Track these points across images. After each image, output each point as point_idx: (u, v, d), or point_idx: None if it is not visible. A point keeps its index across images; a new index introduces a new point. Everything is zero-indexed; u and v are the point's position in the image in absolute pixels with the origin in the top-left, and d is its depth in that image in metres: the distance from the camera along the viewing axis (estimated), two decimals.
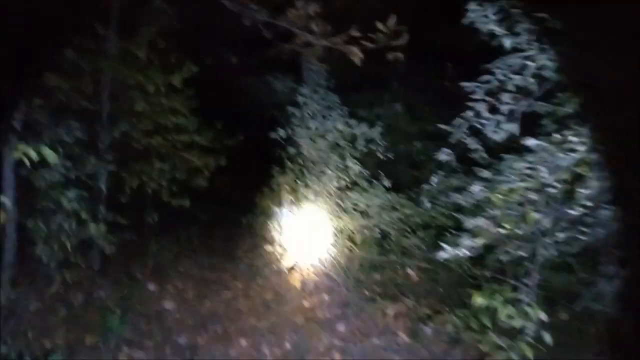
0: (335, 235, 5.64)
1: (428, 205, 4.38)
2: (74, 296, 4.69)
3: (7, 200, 4.29)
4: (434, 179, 4.31)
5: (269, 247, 7.19)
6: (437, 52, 7.34)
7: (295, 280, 5.55)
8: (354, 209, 5.42)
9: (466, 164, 4.29)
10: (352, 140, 5.78)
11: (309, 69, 6.56)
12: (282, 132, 6.38)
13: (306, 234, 6.03)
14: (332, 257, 5.71)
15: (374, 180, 5.47)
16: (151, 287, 6.19)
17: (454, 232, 4.42)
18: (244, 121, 12.47)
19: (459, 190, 4.22)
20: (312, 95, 6.18)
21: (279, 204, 7.79)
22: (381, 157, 5.63)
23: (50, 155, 2.50)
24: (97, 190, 4.47)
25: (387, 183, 5.34)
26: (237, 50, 8.23)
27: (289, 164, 6.29)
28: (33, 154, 2.34)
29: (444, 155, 4.22)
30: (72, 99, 6.72)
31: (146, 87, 7.11)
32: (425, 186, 4.58)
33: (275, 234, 6.42)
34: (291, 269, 5.86)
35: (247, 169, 14.46)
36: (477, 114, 4.13)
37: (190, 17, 8.25)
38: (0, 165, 3.93)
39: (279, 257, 6.83)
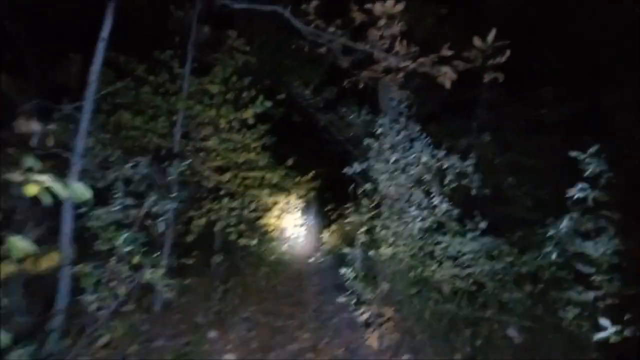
0: (419, 284, 4.77)
1: (553, 255, 3.44)
2: (127, 346, 4.20)
3: (65, 240, 3.95)
4: (565, 222, 3.39)
5: (340, 294, 6.42)
6: (531, 74, 6.46)
7: (371, 335, 4.70)
8: (442, 255, 4.55)
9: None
10: (440, 174, 4.97)
11: (387, 98, 5.93)
12: (357, 167, 5.70)
13: (383, 282, 5.20)
14: (416, 311, 4.82)
15: (467, 221, 4.59)
16: (213, 335, 5.60)
17: (576, 287, 3.47)
18: (317, 157, 12.09)
19: (589, 235, 3.29)
20: (391, 126, 5.49)
21: (352, 246, 7.08)
22: (474, 193, 4.76)
23: (80, 190, 2.00)
24: (158, 231, 4.01)
25: (482, 224, 4.44)
26: (312, 84, 7.81)
27: (364, 201, 5.57)
28: (58, 188, 1.86)
29: (580, 191, 3.30)
30: (144, 135, 6.58)
31: (218, 123, 6.83)
32: (552, 230, 3.66)
33: (347, 279, 5.63)
34: (366, 321, 5.01)
35: (320, 207, 14.04)
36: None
37: (267, 53, 8.03)
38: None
39: (351, 305, 6.02)
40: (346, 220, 5.95)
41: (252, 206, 8.50)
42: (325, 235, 11.68)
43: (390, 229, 5.04)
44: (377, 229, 5.20)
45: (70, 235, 3.89)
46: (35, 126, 3.53)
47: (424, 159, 5.11)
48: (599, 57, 6.43)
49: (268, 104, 7.26)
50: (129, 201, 4.06)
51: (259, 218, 9.41)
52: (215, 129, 6.81)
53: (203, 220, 6.74)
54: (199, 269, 7.53)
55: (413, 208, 5.15)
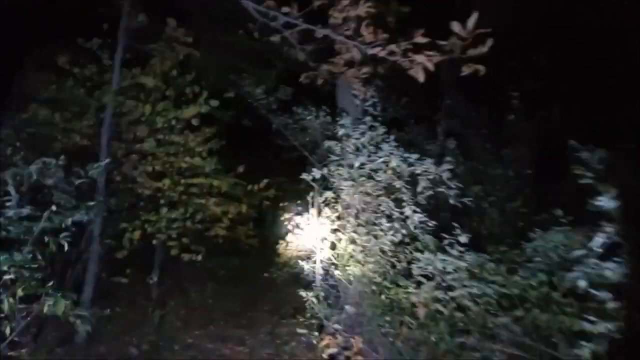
0: (389, 307, 4.06)
1: (582, 281, 2.79)
2: None
3: None
4: (594, 241, 2.77)
5: (298, 317, 5.63)
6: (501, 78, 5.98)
7: None
8: (419, 274, 3.86)
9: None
10: (411, 181, 4.31)
11: (350, 95, 5.22)
12: (316, 173, 4.95)
13: (349, 305, 4.46)
14: (383, 336, 4.11)
15: (442, 234, 3.94)
16: None
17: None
18: (271, 164, 11.24)
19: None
20: (354, 127, 4.79)
21: (312, 262, 6.33)
22: (453, 202, 4.13)
23: None
24: (56, 249, 3.06)
25: (462, 238, 3.80)
26: (264, 84, 6.99)
27: (326, 211, 4.83)
28: None
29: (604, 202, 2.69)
30: (64, 134, 5.53)
31: (155, 123, 5.87)
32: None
33: (306, 300, 4.86)
34: (326, 347, 4.24)
35: (272, 217, 13.15)
36: None
37: (213, 47, 7.13)
38: None
39: (309, 330, 5.25)
40: (304, 233, 5.17)
41: (198, 217, 7.57)
42: (281, 247, 10.80)
43: (356, 244, 4.30)
44: (342, 243, 4.45)
45: None
46: None
47: (393, 163, 4.42)
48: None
49: (214, 103, 6.39)
50: (26, 211, 3.10)
51: (207, 230, 8.43)
52: (151, 130, 5.85)
53: (137, 234, 5.75)
54: (134, 290, 6.49)
55: (383, 220, 4.45)
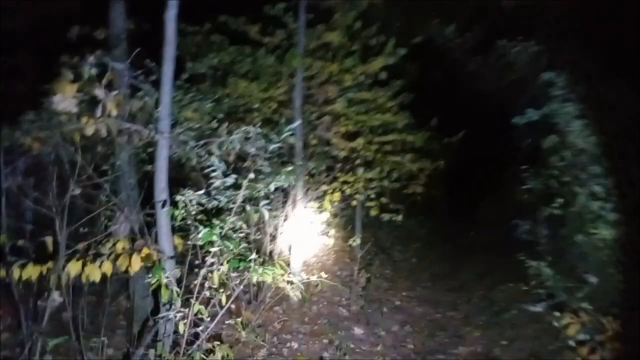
0: None
1: None
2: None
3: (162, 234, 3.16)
4: None
5: (518, 283, 4.84)
6: None
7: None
8: None
9: None
10: None
11: None
12: (531, 113, 3.99)
13: (589, 274, 3.49)
14: None
15: None
16: (358, 331, 4.54)
17: None
18: (464, 115, 10.16)
19: None
20: None
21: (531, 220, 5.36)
22: None
23: None
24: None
25: None
26: (455, 22, 6.06)
27: (554, 159, 3.87)
28: None
29: None
30: (262, 103, 5.68)
31: (343, 81, 5.58)
32: None
33: (527, 265, 4.05)
34: (566, 328, 3.38)
35: (472, 173, 12.03)
36: None
37: None
38: None
39: (534, 302, 4.41)
40: (524, 187, 4.25)
41: (394, 175, 7.21)
42: (483, 205, 9.82)
43: (605, 200, 3.28)
44: (582, 199, 3.46)
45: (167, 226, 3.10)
46: (100, 92, 2.72)
47: None
48: None
49: (401, 51, 5.76)
50: (231, 180, 3.08)
51: (404, 188, 8.03)
52: (341, 89, 5.58)
53: (337, 195, 5.65)
54: (339, 251, 6.54)
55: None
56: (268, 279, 2.86)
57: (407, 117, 6.69)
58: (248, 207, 2.98)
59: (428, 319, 5.25)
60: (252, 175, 3.01)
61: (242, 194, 2.92)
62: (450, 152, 10.04)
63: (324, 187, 5.75)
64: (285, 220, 5.06)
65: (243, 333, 2.90)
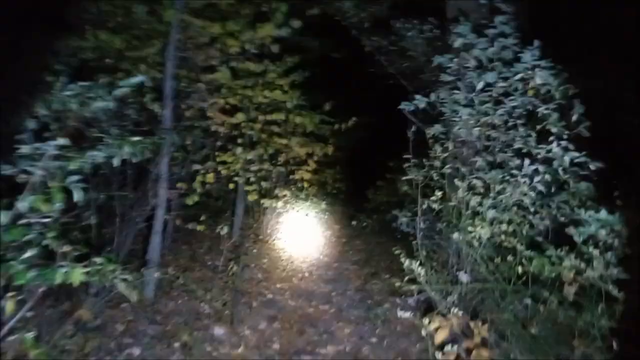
0: (525, 281, 2.82)
1: None
2: None
3: None
4: None
5: (392, 277, 4.61)
6: None
7: None
8: (577, 240, 2.55)
9: None
10: (564, 104, 2.89)
11: None
12: (419, 101, 3.68)
13: (462, 273, 3.28)
14: (515, 321, 2.91)
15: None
16: (219, 331, 3.93)
17: None
18: (362, 99, 9.94)
19: None
20: (478, 35, 3.39)
21: (405, 210, 5.18)
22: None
23: None
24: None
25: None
26: None
27: (436, 148, 3.60)
28: None
29: None
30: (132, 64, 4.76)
31: (227, 47, 4.87)
32: None
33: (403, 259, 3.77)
34: (432, 329, 3.12)
35: (365, 159, 11.97)
36: None
37: None
38: None
39: (406, 298, 4.21)
40: (404, 178, 3.96)
41: (281, 159, 6.70)
42: (370, 193, 9.74)
43: (479, 194, 3.05)
44: (458, 193, 3.20)
45: None
46: None
47: (537, 80, 3.00)
48: None
49: (295, 23, 5.18)
50: (51, 148, 2.26)
51: (291, 173, 7.58)
52: (223, 56, 4.86)
53: (210, 176, 4.96)
54: (210, 238, 5.86)
55: (515, 160, 3.11)
56: (76, 280, 2.12)
57: (298, 97, 6.19)
58: (55, 184, 2.19)
59: (300, 313, 4.83)
60: (62, 141, 2.22)
61: (46, 165, 2.13)
62: (343, 137, 9.86)
63: (197, 166, 5.03)
64: (139, 201, 4.26)
65: (33, 352, 2.12)
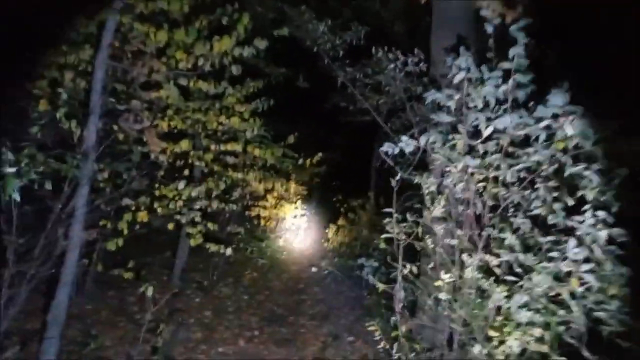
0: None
1: None
2: None
3: None
4: None
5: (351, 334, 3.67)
6: None
7: None
8: None
9: None
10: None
11: (463, 24, 3.03)
12: (406, 144, 2.88)
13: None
14: None
15: None
16: None
17: None
18: (328, 133, 9.17)
19: None
20: (478, 69, 2.64)
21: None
22: None
23: None
24: None
25: None
26: (329, 19, 4.86)
27: (429, 197, 2.77)
28: None
29: None
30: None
31: (171, 59, 3.93)
32: None
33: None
34: None
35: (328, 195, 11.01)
36: None
37: None
38: None
39: None
40: (383, 236, 3.08)
41: (235, 194, 5.73)
42: (331, 232, 8.84)
43: (507, 285, 2.19)
44: (469, 274, 2.33)
45: None
46: None
47: (568, 129, 2.25)
48: None
49: (261, 43, 4.30)
50: None
51: (246, 209, 6.64)
52: (170, 70, 3.90)
53: (143, 214, 3.90)
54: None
55: (535, 232, 2.30)
56: None
57: (259, 126, 5.28)
58: None
59: None
60: None
61: None
62: (305, 172, 9.02)
63: (128, 201, 3.96)
64: (45, 247, 3.15)
65: None
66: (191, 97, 4.57)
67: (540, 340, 1.98)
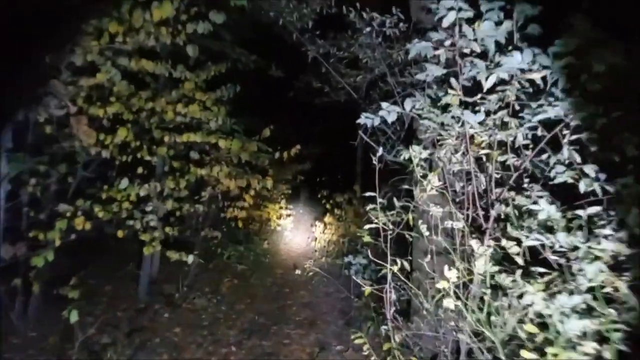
0: None
1: None
2: None
3: None
4: None
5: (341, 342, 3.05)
6: None
7: None
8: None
9: None
10: None
11: None
12: (388, 113, 2.26)
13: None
14: None
15: None
16: None
17: None
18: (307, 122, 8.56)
19: None
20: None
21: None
22: None
23: None
24: None
25: None
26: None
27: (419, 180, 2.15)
28: None
29: None
30: None
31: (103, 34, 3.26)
32: None
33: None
34: None
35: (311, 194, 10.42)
36: None
37: None
38: None
39: None
40: (367, 227, 2.47)
41: (205, 193, 5.09)
42: (317, 231, 8.22)
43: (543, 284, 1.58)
44: (479, 264, 1.71)
45: None
46: None
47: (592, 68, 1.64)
48: None
49: (217, 17, 3.66)
50: None
51: (221, 211, 6.00)
52: (107, 47, 3.23)
53: (80, 220, 3.22)
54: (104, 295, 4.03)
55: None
56: None
57: (224, 115, 4.63)
58: None
59: None
60: None
61: None
62: (285, 169, 8.41)
63: (64, 207, 3.27)
64: None
65: None
66: (143, 83, 3.92)
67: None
